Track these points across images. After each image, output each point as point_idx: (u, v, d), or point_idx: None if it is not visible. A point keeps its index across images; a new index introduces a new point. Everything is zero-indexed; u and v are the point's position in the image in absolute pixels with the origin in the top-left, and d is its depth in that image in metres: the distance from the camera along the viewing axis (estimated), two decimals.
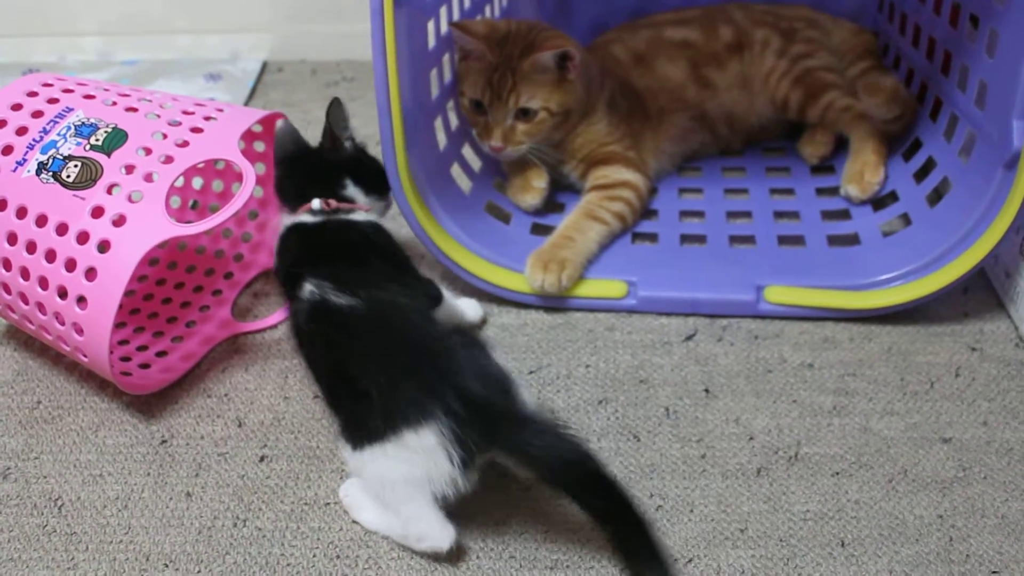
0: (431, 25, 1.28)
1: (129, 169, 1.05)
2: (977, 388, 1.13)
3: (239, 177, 1.09)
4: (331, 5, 1.89)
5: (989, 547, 0.96)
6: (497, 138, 1.32)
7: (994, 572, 0.93)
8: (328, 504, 1.01)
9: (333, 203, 1.14)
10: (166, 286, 1.31)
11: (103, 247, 1.01)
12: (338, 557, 0.96)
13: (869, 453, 1.06)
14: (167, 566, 0.96)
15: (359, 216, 1.15)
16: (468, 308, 1.23)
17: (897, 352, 1.18)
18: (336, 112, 1.17)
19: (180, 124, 1.10)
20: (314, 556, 0.96)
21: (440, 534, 0.93)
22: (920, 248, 1.22)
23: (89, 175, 1.05)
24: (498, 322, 1.25)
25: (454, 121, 1.40)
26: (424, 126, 1.26)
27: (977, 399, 1.12)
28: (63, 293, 1.03)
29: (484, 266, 1.26)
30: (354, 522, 0.99)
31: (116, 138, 1.08)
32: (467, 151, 1.43)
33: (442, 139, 1.34)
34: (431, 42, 1.28)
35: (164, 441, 1.09)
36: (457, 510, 0.99)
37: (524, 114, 1.31)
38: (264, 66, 1.92)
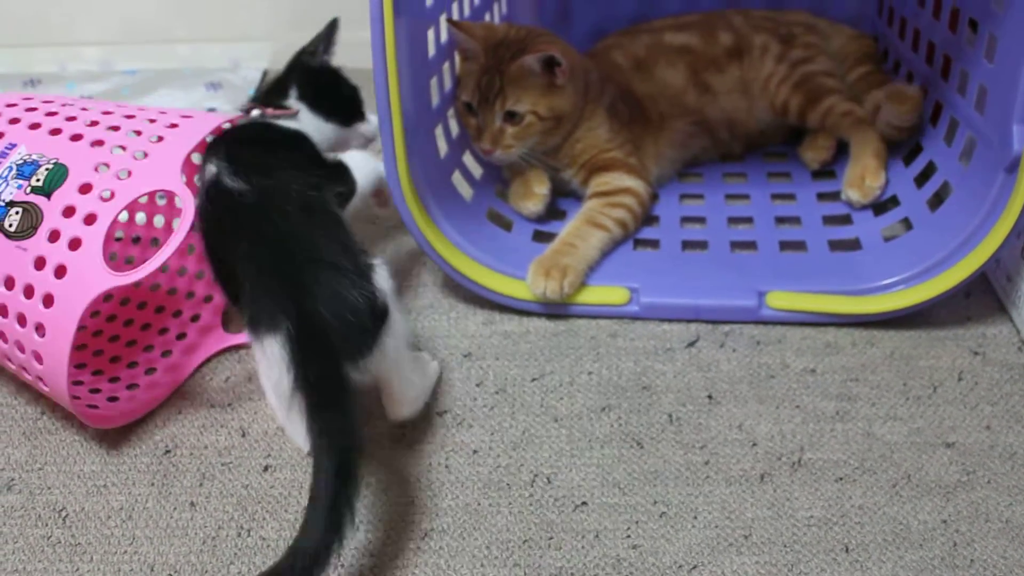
0: (431, 33, 1.28)
1: (68, 212, 1.02)
2: (980, 392, 1.13)
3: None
4: (331, 13, 1.86)
5: (993, 552, 0.96)
6: (486, 141, 1.32)
7: None
8: None
9: (270, 111, 1.16)
10: (133, 327, 1.26)
11: (47, 302, 1.00)
12: (341, 566, 0.96)
13: (872, 458, 1.06)
14: None
15: (283, 121, 1.16)
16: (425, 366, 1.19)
17: (899, 357, 1.18)
18: (332, 30, 1.23)
19: (125, 149, 1.07)
20: None
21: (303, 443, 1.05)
22: (922, 252, 1.22)
23: (30, 222, 1.02)
24: (500, 329, 1.25)
25: (455, 128, 1.41)
26: (425, 133, 1.26)
27: (980, 403, 1.12)
28: (21, 348, 1.03)
29: (486, 273, 1.26)
30: (356, 530, 0.99)
31: (57, 176, 1.04)
32: (468, 159, 1.43)
33: (443, 147, 1.34)
34: (431, 50, 1.28)
35: (168, 451, 1.09)
36: (460, 517, 0.99)
37: (512, 117, 1.31)
38: (265, 75, 1.92)
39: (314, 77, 1.20)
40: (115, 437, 1.11)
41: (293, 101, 1.19)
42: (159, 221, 1.33)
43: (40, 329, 1.00)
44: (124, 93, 1.84)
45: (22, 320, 1.02)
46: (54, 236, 1.01)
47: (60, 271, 1.00)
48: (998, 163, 1.14)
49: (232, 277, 1.01)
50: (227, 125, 1.13)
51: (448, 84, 1.38)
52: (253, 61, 1.94)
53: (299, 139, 1.14)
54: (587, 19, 1.72)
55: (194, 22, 1.92)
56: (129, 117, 1.13)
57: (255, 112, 1.16)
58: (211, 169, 1.05)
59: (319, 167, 1.11)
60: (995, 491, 1.02)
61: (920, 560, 0.95)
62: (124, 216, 1.29)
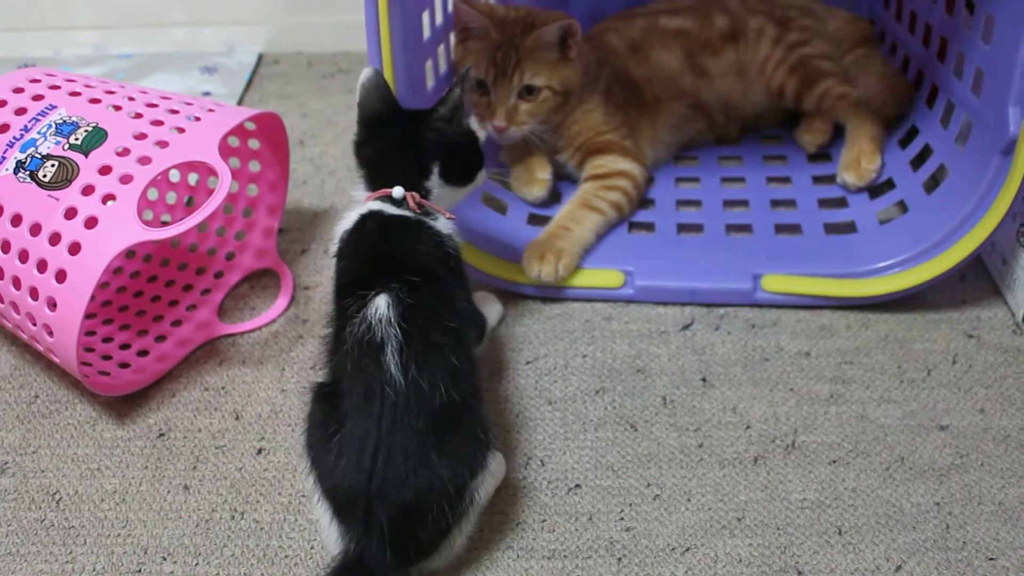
0: (426, 16, 1.27)
1: (105, 170, 1.04)
2: (974, 375, 1.13)
3: (235, 175, 1.07)
4: None
5: (986, 534, 0.96)
6: (501, 117, 1.31)
7: (991, 559, 0.93)
8: None
9: (417, 198, 1.01)
10: (157, 283, 1.30)
11: (73, 249, 1.01)
12: None
13: (866, 441, 1.06)
14: (165, 559, 0.96)
15: (442, 225, 1.02)
16: (492, 313, 1.22)
17: (894, 340, 1.18)
18: (463, 82, 1.04)
19: (163, 124, 1.09)
20: (311, 548, 0.96)
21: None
22: (917, 235, 1.22)
23: (65, 175, 1.04)
24: None
25: None
26: None
27: (974, 386, 1.12)
28: (35, 294, 1.03)
29: (481, 256, 1.25)
30: None
31: (95, 137, 1.07)
32: None
33: None
34: (426, 33, 1.27)
35: (161, 434, 1.09)
36: None
37: (528, 92, 1.31)
38: (260, 59, 1.92)
39: (455, 151, 1.05)
40: (108, 421, 1.11)
41: (435, 180, 1.03)
42: (213, 183, 1.33)
43: (61, 276, 1.01)
44: (120, 77, 1.84)
45: (42, 266, 1.02)
46: (88, 190, 1.03)
47: (90, 222, 1.02)
48: (994, 145, 1.14)
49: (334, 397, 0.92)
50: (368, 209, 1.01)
51: (443, 67, 1.37)
52: (248, 45, 1.94)
53: (456, 269, 1.02)
54: (583, 2, 1.71)
55: (189, 5, 1.91)
56: (165, 98, 1.16)
57: (397, 192, 1.00)
58: (380, 306, 0.91)
59: (465, 318, 0.99)
60: (988, 473, 1.02)
61: (913, 542, 0.95)
62: (176, 176, 1.33)
